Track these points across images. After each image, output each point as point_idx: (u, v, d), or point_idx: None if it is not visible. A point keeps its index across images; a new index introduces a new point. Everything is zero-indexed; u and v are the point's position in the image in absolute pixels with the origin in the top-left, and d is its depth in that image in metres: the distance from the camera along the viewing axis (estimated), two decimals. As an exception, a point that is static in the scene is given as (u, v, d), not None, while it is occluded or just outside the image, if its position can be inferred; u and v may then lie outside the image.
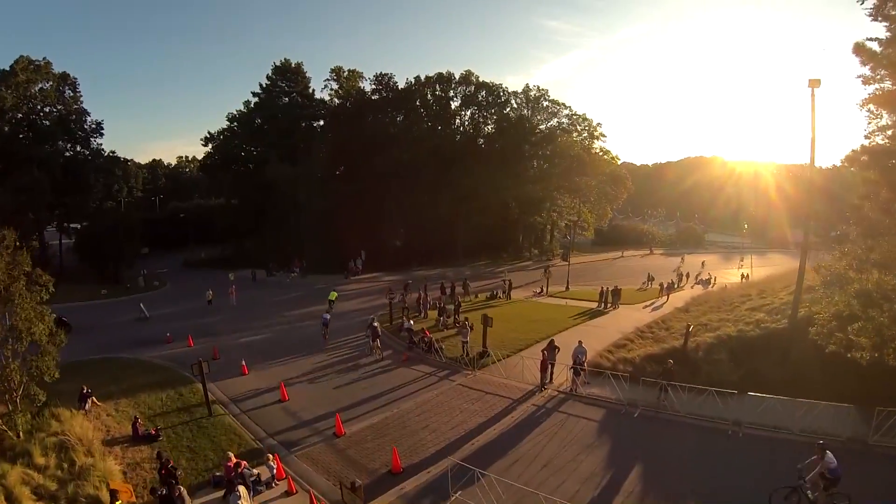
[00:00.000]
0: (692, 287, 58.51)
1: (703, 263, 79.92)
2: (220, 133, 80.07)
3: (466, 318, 34.79)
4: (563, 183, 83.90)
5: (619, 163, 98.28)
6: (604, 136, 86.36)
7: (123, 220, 63.57)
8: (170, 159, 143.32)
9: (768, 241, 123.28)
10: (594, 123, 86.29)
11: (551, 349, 25.29)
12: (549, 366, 24.75)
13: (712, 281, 60.78)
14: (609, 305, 43.11)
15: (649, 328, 34.77)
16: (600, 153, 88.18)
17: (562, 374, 25.04)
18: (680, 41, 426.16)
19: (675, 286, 53.86)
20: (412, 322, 35.23)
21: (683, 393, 21.12)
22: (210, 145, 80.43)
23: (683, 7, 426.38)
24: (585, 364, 24.75)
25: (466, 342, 28.89)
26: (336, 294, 47.52)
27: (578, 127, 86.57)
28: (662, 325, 35.55)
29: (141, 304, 41.77)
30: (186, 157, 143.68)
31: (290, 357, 29.93)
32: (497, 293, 49.85)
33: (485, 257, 79.78)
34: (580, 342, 25.52)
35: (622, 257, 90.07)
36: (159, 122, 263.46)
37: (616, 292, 43.95)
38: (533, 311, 42.18)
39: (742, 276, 61.45)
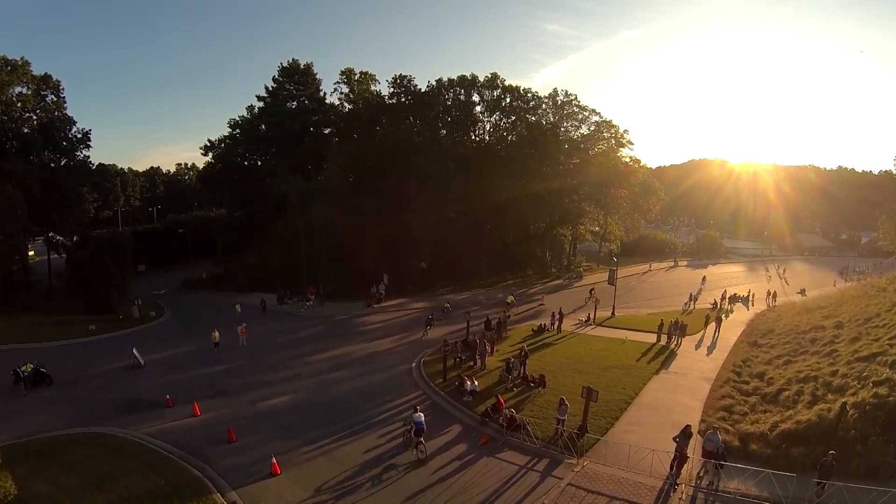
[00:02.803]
0: (733, 305, 55.62)
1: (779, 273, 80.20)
2: (220, 141, 72.65)
3: (542, 376, 28.72)
4: (596, 195, 77.85)
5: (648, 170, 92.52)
6: (631, 143, 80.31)
7: (113, 242, 56.02)
8: (168, 166, 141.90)
9: (780, 246, 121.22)
10: (621, 130, 80.00)
11: (685, 437, 19.40)
12: (686, 459, 18.95)
13: (751, 299, 58.51)
14: (673, 340, 39.30)
15: (736, 374, 31.40)
16: (630, 162, 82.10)
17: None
18: (681, 44, 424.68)
19: (720, 309, 52.21)
20: (475, 382, 28.48)
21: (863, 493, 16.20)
22: (210, 154, 73.11)
23: (685, 10, 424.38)
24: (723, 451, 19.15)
25: (564, 419, 22.38)
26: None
27: (605, 134, 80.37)
28: (745, 368, 32.58)
29: (134, 350, 34.30)
30: (185, 164, 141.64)
31: (330, 439, 22.81)
32: (545, 326, 43.76)
33: (509, 276, 73.63)
34: (715, 429, 20.67)
35: (650, 271, 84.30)
36: (157, 128, 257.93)
37: (682, 327, 39.89)
38: (596, 353, 36.74)
39: (769, 293, 58.91)
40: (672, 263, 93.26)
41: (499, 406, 24.55)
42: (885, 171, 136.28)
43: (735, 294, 58.91)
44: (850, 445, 19.36)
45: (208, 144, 72.58)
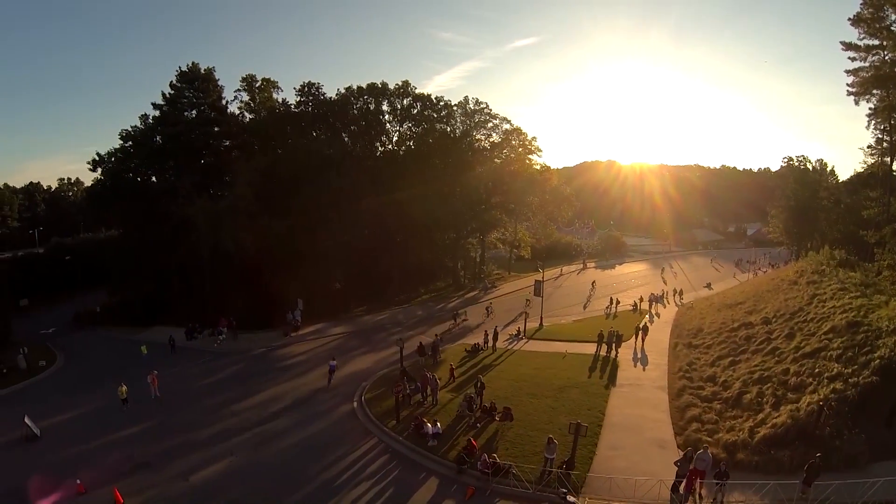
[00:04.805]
0: (651, 305, 56.90)
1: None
2: (111, 154, 65.32)
3: (507, 408, 27.43)
4: (507, 203, 78.05)
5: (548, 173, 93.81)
6: (539, 150, 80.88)
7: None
8: (50, 181, 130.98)
9: (676, 241, 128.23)
10: (529, 137, 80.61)
11: (687, 461, 19.75)
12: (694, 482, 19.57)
13: (666, 297, 61.57)
14: (612, 350, 39.08)
15: (689, 380, 31.45)
16: (541, 169, 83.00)
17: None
18: (572, 51, 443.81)
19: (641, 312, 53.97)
20: (438, 424, 26.27)
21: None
22: (99, 170, 65.85)
23: (575, 19, 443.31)
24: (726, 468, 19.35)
25: (552, 458, 21.49)
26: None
27: (514, 142, 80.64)
28: (693, 372, 32.89)
29: (26, 419, 28.89)
30: (69, 179, 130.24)
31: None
32: (480, 345, 43.08)
33: (423, 291, 72.09)
34: (704, 448, 20.88)
35: (562, 275, 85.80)
36: (36, 137, 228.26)
37: (619, 337, 39.80)
38: (543, 371, 35.99)
39: (675, 291, 62.30)
40: (581, 266, 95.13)
41: (471, 449, 23.04)
42: (765, 169, 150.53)
43: (652, 294, 60.49)
44: (828, 442, 20.48)
45: (97, 159, 65.29)
